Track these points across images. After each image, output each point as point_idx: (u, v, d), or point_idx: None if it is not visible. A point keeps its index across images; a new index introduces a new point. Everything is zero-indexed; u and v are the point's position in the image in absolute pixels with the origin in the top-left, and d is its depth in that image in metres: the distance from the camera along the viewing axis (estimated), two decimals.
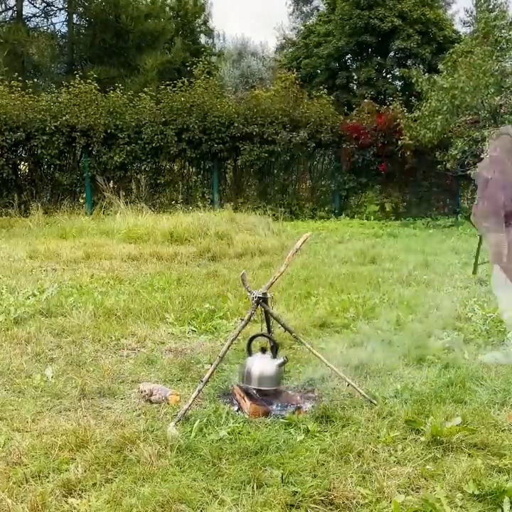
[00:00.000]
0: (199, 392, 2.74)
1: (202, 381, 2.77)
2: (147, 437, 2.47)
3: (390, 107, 14.64)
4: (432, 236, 10.39)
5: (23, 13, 22.99)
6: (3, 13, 23.06)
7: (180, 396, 2.92)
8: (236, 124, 13.74)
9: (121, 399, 2.97)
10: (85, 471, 2.21)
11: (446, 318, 4.46)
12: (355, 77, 26.16)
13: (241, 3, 52.45)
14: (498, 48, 12.00)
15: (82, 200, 13.59)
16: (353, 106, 17.93)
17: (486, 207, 3.80)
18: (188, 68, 15.96)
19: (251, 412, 2.77)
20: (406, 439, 2.51)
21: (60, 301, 4.83)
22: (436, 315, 4.57)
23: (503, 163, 3.91)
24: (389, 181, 14.46)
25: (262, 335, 3.04)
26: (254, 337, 3.09)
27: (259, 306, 2.96)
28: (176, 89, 14.13)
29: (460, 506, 2.03)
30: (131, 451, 2.35)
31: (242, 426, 2.60)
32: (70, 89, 13.67)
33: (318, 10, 32.98)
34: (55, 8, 24.07)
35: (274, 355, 2.91)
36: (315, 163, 15.36)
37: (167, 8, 26.86)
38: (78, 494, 2.08)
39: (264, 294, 2.96)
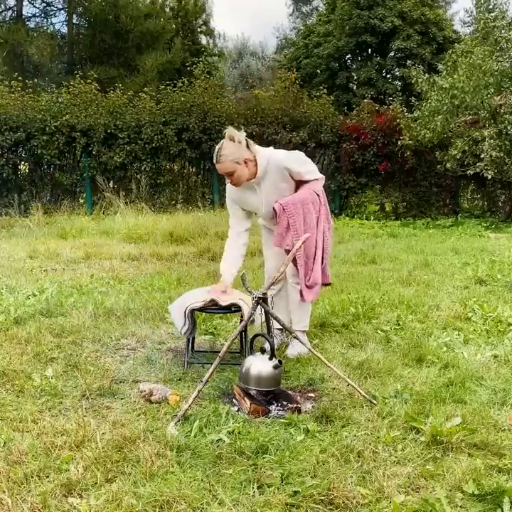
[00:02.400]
0: (199, 392, 2.74)
1: (202, 381, 2.77)
2: (147, 437, 2.47)
3: (390, 107, 14.65)
4: (432, 236, 10.39)
5: (23, 13, 23.05)
6: (3, 13, 23.08)
7: (180, 396, 2.93)
8: (236, 124, 13.73)
9: (121, 399, 2.97)
10: (85, 471, 2.21)
11: (446, 317, 4.47)
12: (355, 77, 26.18)
13: (241, 3, 52.46)
14: (498, 47, 12.01)
15: (82, 200, 13.60)
16: (353, 106, 17.94)
17: None
18: (188, 68, 15.97)
19: (251, 411, 2.77)
20: (406, 439, 2.51)
21: (60, 301, 4.83)
22: (436, 315, 4.58)
23: None
24: (389, 181, 14.47)
25: (261, 335, 3.04)
26: (255, 336, 3.10)
27: (259, 306, 2.97)
28: (176, 89, 14.14)
29: (460, 506, 2.03)
30: (131, 451, 2.35)
31: (242, 426, 2.60)
32: (70, 89, 13.68)
33: (317, 10, 33.01)
34: (55, 8, 24.15)
35: (272, 357, 2.90)
36: (315, 163, 15.34)
37: (167, 9, 26.88)
38: (78, 494, 2.08)
39: (264, 294, 2.97)
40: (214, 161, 3.51)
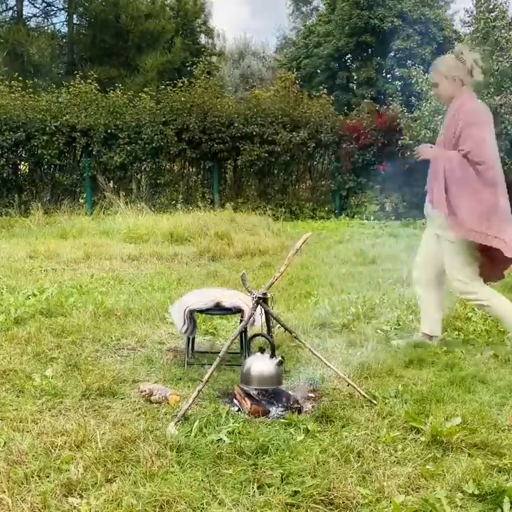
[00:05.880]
0: (199, 392, 2.74)
1: (202, 381, 2.77)
2: (147, 437, 2.47)
3: (390, 107, 14.65)
4: None
5: (23, 13, 23.07)
6: (3, 13, 23.08)
7: (180, 396, 2.93)
8: (236, 124, 13.74)
9: (122, 399, 2.97)
10: (85, 471, 2.21)
11: (446, 317, 4.46)
12: (355, 77, 26.16)
13: (242, 3, 52.42)
14: (498, 48, 12.00)
15: (82, 200, 13.59)
16: (353, 106, 17.94)
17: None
18: (188, 68, 15.98)
19: (251, 412, 2.77)
20: (406, 439, 2.51)
21: (60, 301, 4.83)
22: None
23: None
24: (389, 181, 14.46)
25: (261, 335, 3.04)
26: (253, 337, 3.09)
27: (259, 306, 2.96)
28: (176, 89, 14.14)
29: (460, 506, 2.03)
30: (131, 451, 2.35)
31: (242, 426, 2.60)
32: (70, 89, 13.69)
33: (317, 10, 33.00)
34: (55, 8, 24.17)
35: (272, 355, 2.91)
36: (315, 163, 15.37)
37: (167, 8, 26.86)
38: (78, 494, 2.08)
39: (264, 294, 2.96)
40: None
